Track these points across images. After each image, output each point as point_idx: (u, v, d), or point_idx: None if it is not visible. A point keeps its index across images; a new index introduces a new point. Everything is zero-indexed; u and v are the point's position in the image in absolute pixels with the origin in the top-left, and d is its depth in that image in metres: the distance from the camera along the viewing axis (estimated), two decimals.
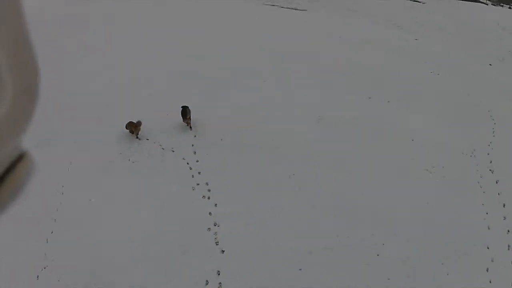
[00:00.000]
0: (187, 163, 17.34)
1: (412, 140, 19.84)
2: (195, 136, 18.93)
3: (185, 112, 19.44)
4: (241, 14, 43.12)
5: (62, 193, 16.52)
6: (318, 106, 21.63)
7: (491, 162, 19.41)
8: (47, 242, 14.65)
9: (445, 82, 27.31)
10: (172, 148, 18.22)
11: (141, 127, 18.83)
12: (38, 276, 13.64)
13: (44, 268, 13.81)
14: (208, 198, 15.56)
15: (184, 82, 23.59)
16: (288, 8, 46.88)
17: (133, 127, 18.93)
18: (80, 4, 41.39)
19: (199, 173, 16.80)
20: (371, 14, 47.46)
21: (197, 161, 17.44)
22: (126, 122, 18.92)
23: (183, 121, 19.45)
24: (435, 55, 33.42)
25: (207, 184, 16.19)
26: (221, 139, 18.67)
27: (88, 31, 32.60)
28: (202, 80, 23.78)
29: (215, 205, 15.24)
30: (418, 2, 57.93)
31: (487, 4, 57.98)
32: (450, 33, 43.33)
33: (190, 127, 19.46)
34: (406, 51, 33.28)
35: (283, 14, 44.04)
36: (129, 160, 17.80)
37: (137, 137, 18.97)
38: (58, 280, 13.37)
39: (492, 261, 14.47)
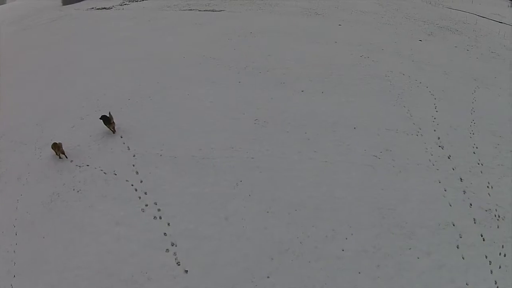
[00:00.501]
0: (132, 185, 17.94)
1: (355, 128, 20.98)
2: (134, 156, 19.52)
3: (106, 118, 21.03)
4: (157, 21, 44.26)
5: (16, 234, 16.94)
6: (250, 108, 22.57)
7: (439, 138, 20.65)
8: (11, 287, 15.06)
9: (377, 65, 28.78)
10: (114, 171, 18.77)
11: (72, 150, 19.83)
12: None
13: None
14: (160, 218, 16.25)
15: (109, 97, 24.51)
16: (206, 10, 48.12)
17: (56, 148, 20.03)
18: None
19: (145, 193, 17.45)
20: (291, 5, 49.03)
21: (141, 181, 18.08)
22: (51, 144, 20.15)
23: (108, 127, 21.03)
24: (362, 38, 35.04)
25: (155, 204, 16.87)
26: (160, 155, 19.40)
27: None
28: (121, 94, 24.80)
29: (168, 224, 15.96)
30: None
31: None
32: (375, 13, 44.98)
33: (114, 131, 21.11)
34: (331, 37, 34.88)
35: (200, 17, 44.85)
36: (73, 189, 18.25)
37: (60, 157, 20.08)
38: None
39: (461, 237, 15.59)
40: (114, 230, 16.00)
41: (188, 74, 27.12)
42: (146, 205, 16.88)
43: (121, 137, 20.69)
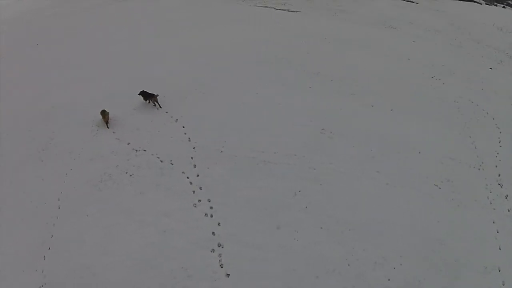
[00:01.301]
0: (187, 178, 17.58)
1: (419, 152, 20.12)
2: (194, 148, 19.17)
3: (146, 93, 22.04)
4: (231, 15, 44.32)
5: (59, 207, 16.98)
6: (319, 116, 21.89)
7: (499, 175, 19.67)
8: (44, 259, 15.08)
9: (447, 88, 27.68)
10: (171, 160, 18.46)
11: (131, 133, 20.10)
12: None
13: (42, 286, 14.26)
14: (211, 216, 15.79)
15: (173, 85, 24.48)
16: (281, 9, 47.98)
17: (104, 115, 20.93)
18: None
19: (200, 188, 17.03)
20: (366, 15, 48.27)
21: (198, 175, 17.68)
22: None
23: (148, 101, 22.23)
24: (435, 58, 33.85)
25: (209, 201, 16.42)
26: (221, 152, 18.98)
27: None
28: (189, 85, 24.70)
29: (218, 224, 15.46)
30: (411, 2, 58.36)
31: (481, 4, 58.42)
32: (447, 34, 43.50)
33: (154, 105, 22.13)
34: (404, 54, 33.86)
35: (275, 16, 44.87)
36: (126, 173, 18.10)
37: (108, 127, 20.86)
38: None
39: (503, 284, 14.79)
40: (161, 222, 15.66)
41: (258, 72, 26.70)
42: (199, 201, 16.47)
43: (183, 127, 20.40)
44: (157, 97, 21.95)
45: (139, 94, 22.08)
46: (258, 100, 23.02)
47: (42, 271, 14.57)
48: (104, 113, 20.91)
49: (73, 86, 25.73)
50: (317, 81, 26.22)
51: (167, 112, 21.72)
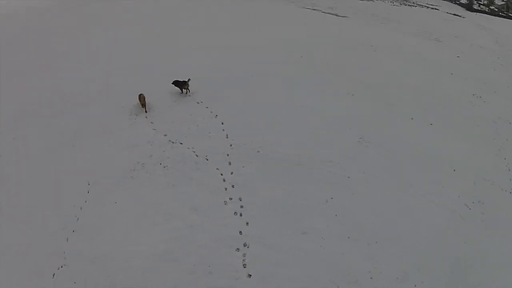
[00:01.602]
0: (221, 174, 17.46)
1: (454, 170, 19.70)
2: (231, 145, 19.04)
3: (179, 82, 22.93)
4: (278, 15, 45.00)
5: (88, 192, 17.11)
6: (357, 124, 21.65)
7: None
8: (67, 241, 15.22)
9: (487, 107, 27.32)
10: (207, 156, 18.40)
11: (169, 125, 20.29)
12: (54, 274, 14.31)
13: (60, 267, 14.42)
14: (240, 215, 15.59)
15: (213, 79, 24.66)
16: (329, 13, 48.16)
17: (141, 99, 21.51)
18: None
19: (232, 186, 16.86)
20: (412, 26, 48.34)
21: (232, 173, 17.54)
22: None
23: (181, 88, 22.94)
24: (477, 75, 33.50)
25: (240, 199, 16.21)
26: (258, 151, 18.81)
27: None
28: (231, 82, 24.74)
29: (247, 223, 15.23)
30: (458, 16, 57.91)
31: None
32: (491, 52, 42.91)
33: (185, 92, 22.94)
34: (448, 68, 33.51)
35: (322, 19, 45.25)
36: (160, 164, 18.12)
37: (146, 111, 21.45)
38: (74, 282, 13.87)
39: None
40: (189, 216, 15.53)
41: (302, 75, 26.72)
42: (230, 199, 16.29)
43: (222, 123, 20.34)
44: (189, 81, 22.75)
45: (172, 84, 22.69)
46: (300, 103, 22.84)
47: (64, 253, 14.66)
48: (141, 97, 21.31)
49: (114, 74, 26.31)
50: (359, 89, 26.03)
51: (207, 107, 21.72)
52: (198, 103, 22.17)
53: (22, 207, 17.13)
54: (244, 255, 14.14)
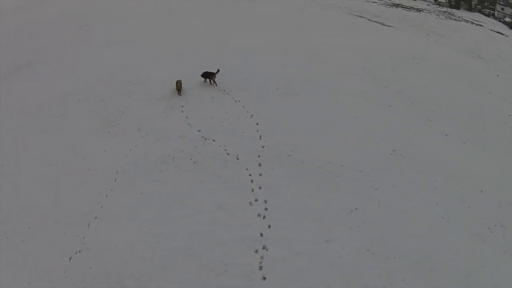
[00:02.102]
0: (250, 175, 17.61)
1: (481, 191, 19.47)
2: (263, 147, 19.22)
3: (206, 73, 23.77)
4: (325, 20, 45.40)
5: (115, 180, 17.54)
6: (392, 137, 21.64)
7: None
8: (88, 226, 15.66)
9: None
10: (238, 155, 18.58)
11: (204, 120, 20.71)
12: (70, 258, 14.71)
13: (79, 252, 14.82)
14: (264, 217, 15.69)
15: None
16: (376, 22, 48.56)
17: (178, 84, 22.75)
18: None
19: (260, 188, 16.99)
20: (456, 40, 48.21)
21: (260, 174, 17.66)
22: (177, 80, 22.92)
23: (209, 79, 23.83)
24: None
25: (265, 202, 16.35)
26: (289, 155, 18.88)
27: None
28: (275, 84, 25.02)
29: (269, 226, 15.32)
30: (501, 34, 57.44)
31: None
32: None
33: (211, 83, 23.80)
34: (486, 86, 33.41)
35: (367, 27, 45.55)
36: (190, 159, 18.39)
37: (179, 94, 22.77)
38: (90, 268, 14.23)
39: None
40: (213, 213, 15.77)
41: (342, 81, 26.96)
42: (256, 200, 16.42)
43: (257, 124, 20.55)
44: (217, 73, 23.62)
45: (201, 76, 23.81)
46: (337, 110, 23.04)
47: (83, 238, 15.08)
48: (178, 82, 22.47)
49: (158, 64, 27.22)
50: (398, 100, 26.27)
51: (244, 107, 22.02)
52: (235, 101, 22.46)
53: (50, 188, 17.76)
54: (262, 257, 14.21)
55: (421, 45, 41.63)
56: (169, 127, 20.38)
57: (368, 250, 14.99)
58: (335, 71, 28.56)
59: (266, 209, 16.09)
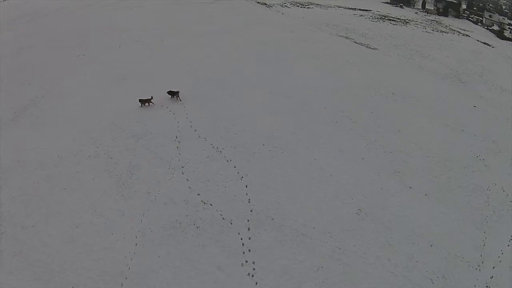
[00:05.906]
0: (241, 239, 23.25)
1: (431, 245, 23.94)
2: (251, 211, 24.84)
3: (172, 92, 32.50)
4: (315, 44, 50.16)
5: (136, 244, 23.16)
6: (360, 195, 26.49)
7: (492, 277, 22.56)
8: (121, 286, 21.20)
9: (487, 173, 30.31)
10: (231, 220, 24.27)
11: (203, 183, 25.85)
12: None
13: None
14: (252, 276, 21.45)
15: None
16: (361, 44, 52.72)
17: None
18: None
19: (249, 250, 22.68)
20: (440, 62, 50.98)
21: (250, 238, 23.29)
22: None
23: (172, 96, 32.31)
24: (489, 131, 35.91)
25: (253, 263, 22.04)
26: (272, 219, 24.56)
27: None
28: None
29: (256, 283, 21.11)
30: (487, 45, 60.62)
31: None
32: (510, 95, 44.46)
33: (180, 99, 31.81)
34: (460, 123, 36.17)
35: (352, 53, 49.38)
36: (194, 224, 24.05)
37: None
38: None
39: None
40: (214, 274, 21.58)
41: (322, 132, 31.90)
42: (246, 262, 22.17)
43: (246, 187, 26.28)
44: (179, 93, 32.49)
45: (167, 93, 32.76)
46: (315, 168, 28.20)
47: None
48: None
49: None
50: (371, 150, 30.78)
51: (235, 167, 27.75)
52: (227, 161, 28.19)
53: (82, 250, 23.08)
54: None
55: (402, 76, 45.04)
56: (173, 190, 26.08)
57: None
58: (317, 119, 33.60)
59: (254, 269, 21.84)
